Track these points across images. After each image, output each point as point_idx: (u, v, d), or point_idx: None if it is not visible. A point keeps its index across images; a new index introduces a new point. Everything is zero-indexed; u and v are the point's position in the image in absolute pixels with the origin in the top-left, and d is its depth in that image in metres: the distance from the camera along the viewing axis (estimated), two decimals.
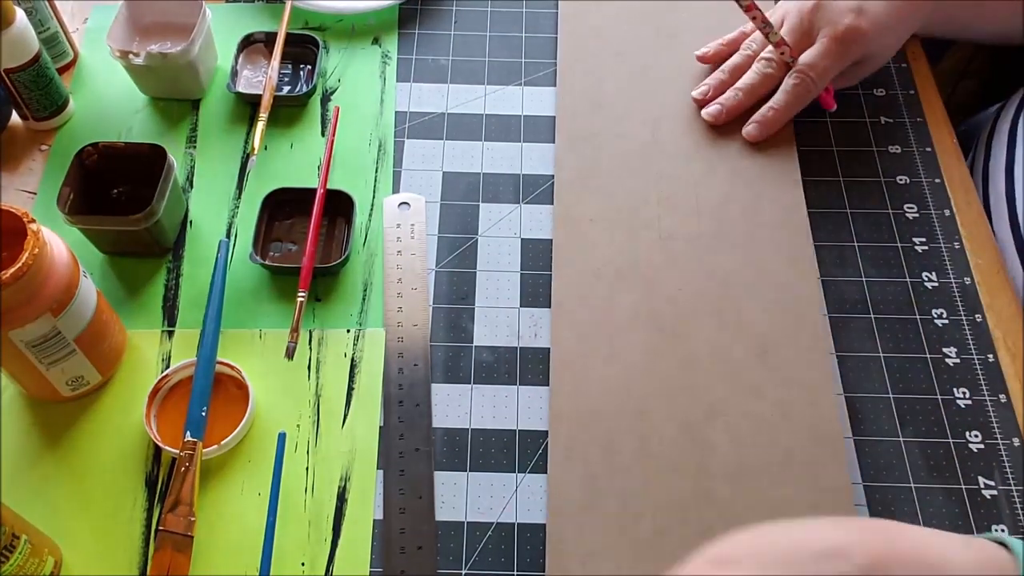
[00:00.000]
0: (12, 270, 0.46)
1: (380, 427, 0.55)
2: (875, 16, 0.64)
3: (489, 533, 0.52)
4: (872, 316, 0.59)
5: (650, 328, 0.58)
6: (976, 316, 0.59)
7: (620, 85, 0.70)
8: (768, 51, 0.66)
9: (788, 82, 0.65)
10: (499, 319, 0.60)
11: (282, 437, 0.54)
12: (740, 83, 0.67)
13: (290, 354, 0.58)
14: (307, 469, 0.54)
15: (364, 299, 0.60)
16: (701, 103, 0.68)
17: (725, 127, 0.67)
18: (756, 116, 0.66)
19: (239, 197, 0.65)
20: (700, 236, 0.62)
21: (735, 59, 0.69)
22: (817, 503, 0.52)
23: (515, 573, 0.51)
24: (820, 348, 0.57)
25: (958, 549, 0.38)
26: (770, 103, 0.66)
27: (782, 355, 0.57)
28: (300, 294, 0.58)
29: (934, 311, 0.60)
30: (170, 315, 0.60)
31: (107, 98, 0.70)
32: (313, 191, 0.62)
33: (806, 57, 0.65)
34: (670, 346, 0.57)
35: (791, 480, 0.53)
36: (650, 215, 0.63)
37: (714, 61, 0.70)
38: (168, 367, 0.57)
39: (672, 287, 0.60)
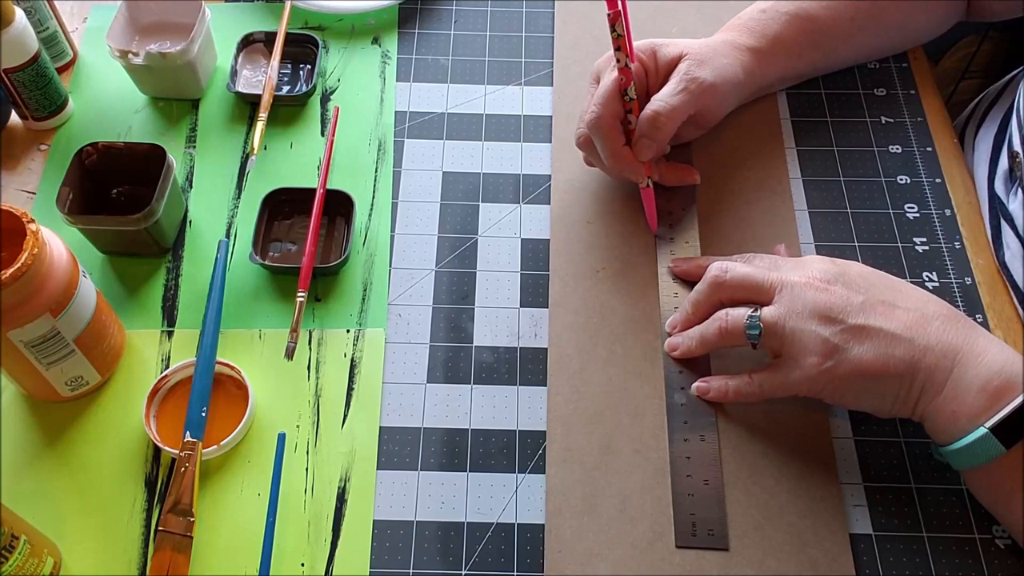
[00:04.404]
0: (11, 270, 0.46)
1: (380, 427, 0.55)
2: (710, 69, 0.60)
3: (489, 533, 0.52)
4: None
5: (647, 331, 0.58)
6: (977, 316, 0.59)
7: None
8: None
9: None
10: (499, 319, 0.59)
11: (282, 437, 0.54)
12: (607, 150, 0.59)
13: (290, 354, 0.58)
14: (307, 469, 0.54)
15: (364, 299, 0.60)
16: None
17: (719, 134, 0.66)
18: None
19: (239, 197, 0.65)
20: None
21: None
22: (811, 509, 0.52)
23: (515, 573, 0.50)
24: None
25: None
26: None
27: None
28: (300, 294, 0.58)
29: None
30: (169, 315, 0.60)
31: (106, 98, 0.70)
32: (313, 191, 0.62)
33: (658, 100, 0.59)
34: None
35: (785, 484, 0.53)
36: (646, 220, 0.63)
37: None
38: (167, 367, 0.57)
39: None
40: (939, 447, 0.50)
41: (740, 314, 0.52)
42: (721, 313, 0.54)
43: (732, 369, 0.56)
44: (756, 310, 0.52)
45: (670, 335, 0.58)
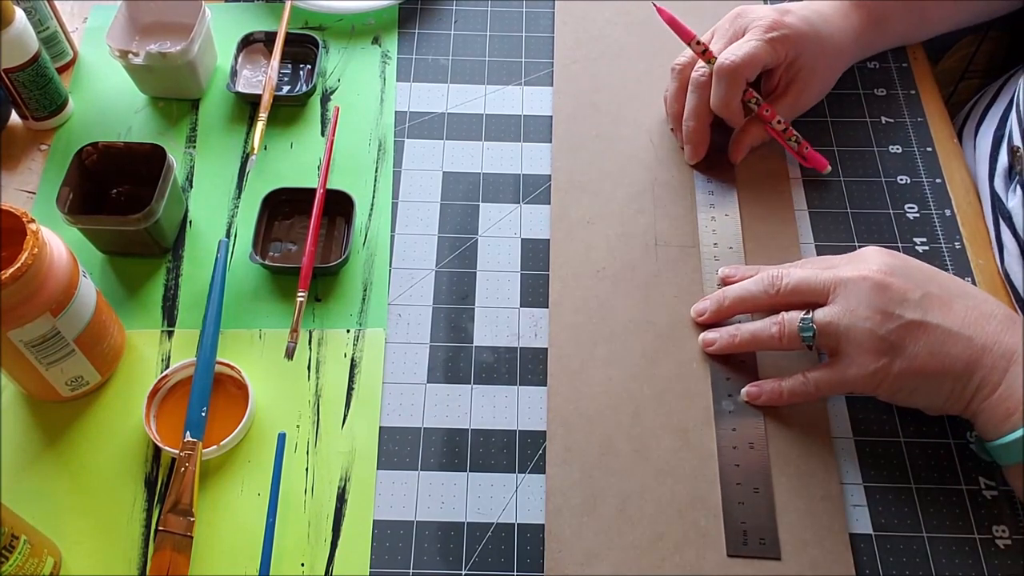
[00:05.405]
0: (11, 270, 0.46)
1: (380, 427, 0.55)
2: (800, 14, 0.63)
3: (489, 533, 0.52)
4: None
5: (647, 331, 0.58)
6: None
7: (616, 88, 0.70)
8: (698, 65, 0.63)
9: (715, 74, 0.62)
10: (499, 319, 0.59)
11: (282, 437, 0.54)
12: (686, 111, 0.64)
13: (290, 354, 0.58)
14: (307, 469, 0.54)
15: (364, 299, 0.60)
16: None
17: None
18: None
19: (239, 197, 0.65)
20: (694, 242, 0.62)
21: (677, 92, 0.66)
22: (811, 509, 0.52)
23: (515, 573, 0.51)
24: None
25: None
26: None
27: (777, 361, 0.57)
28: (300, 294, 0.58)
29: None
30: (170, 315, 0.60)
31: (107, 98, 0.70)
32: (313, 191, 0.62)
33: (728, 50, 0.61)
34: (666, 349, 0.57)
35: (785, 483, 0.53)
36: (646, 220, 0.63)
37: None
38: (168, 367, 0.57)
39: (668, 292, 0.60)
40: (985, 442, 0.50)
41: (794, 317, 0.52)
42: (777, 317, 0.53)
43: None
44: (808, 312, 0.52)
45: (697, 323, 0.58)
